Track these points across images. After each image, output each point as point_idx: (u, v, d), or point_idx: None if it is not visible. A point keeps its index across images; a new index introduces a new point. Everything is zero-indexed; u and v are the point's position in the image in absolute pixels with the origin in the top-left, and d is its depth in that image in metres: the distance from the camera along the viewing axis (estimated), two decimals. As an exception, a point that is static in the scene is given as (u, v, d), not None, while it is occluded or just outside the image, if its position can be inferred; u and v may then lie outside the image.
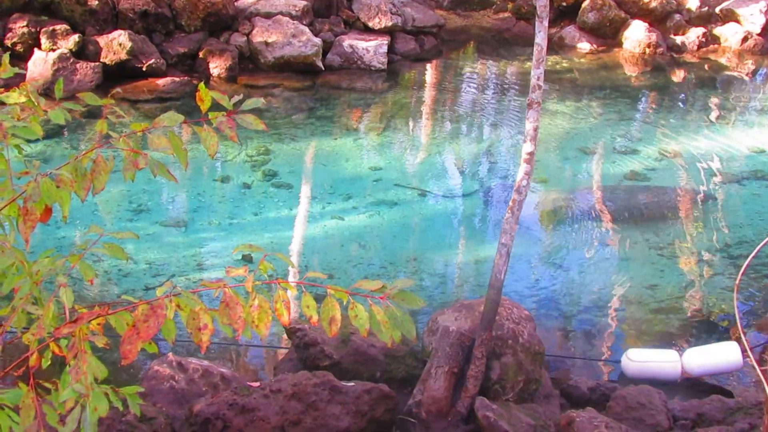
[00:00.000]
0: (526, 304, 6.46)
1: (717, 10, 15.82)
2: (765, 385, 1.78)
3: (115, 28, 12.04)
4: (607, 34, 15.42)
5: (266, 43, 12.72)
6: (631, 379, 5.77)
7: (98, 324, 2.64)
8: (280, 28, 12.88)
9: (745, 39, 15.35)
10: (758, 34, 15.43)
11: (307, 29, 13.06)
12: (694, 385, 5.88)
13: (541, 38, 5.16)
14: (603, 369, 6.22)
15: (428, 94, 13.06)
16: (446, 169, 9.99)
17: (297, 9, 13.38)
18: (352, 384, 4.81)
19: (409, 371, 5.30)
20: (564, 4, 15.83)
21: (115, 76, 11.54)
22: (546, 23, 5.19)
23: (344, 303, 2.61)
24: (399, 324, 2.58)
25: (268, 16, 13.18)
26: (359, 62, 13.25)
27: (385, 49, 13.48)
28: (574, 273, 7.53)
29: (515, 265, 7.23)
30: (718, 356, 5.70)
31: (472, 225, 8.67)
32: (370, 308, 2.57)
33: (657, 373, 5.79)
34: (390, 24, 13.98)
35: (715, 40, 15.56)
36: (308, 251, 7.76)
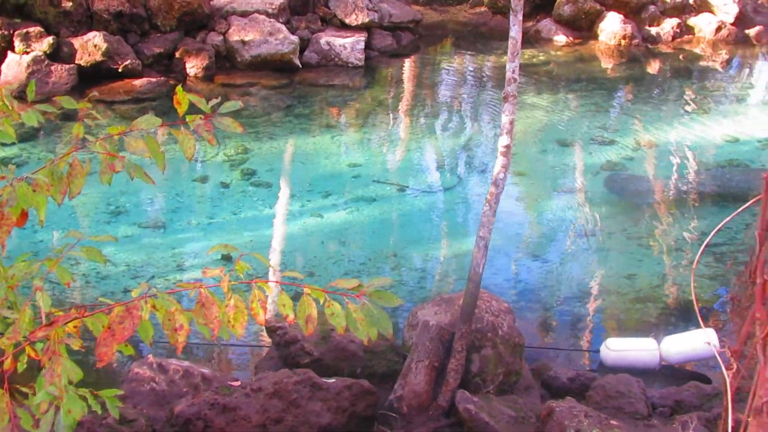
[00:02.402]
0: (506, 297, 6.51)
1: (691, 0, 15.93)
2: (725, 373, 1.82)
3: (90, 30, 11.97)
4: (583, 27, 15.49)
5: (243, 42, 12.69)
6: (610, 369, 5.82)
7: (75, 327, 2.64)
8: (257, 27, 12.85)
9: (718, 29, 15.47)
10: (731, 24, 15.56)
11: (283, 27, 13.04)
12: (673, 372, 5.94)
13: (515, 32, 5.19)
14: (583, 359, 6.28)
15: (406, 89, 13.08)
16: (425, 164, 10.02)
17: (273, 7, 13.35)
18: (333, 380, 4.83)
19: (389, 366, 5.33)
20: (539, -3, 15.88)
21: (91, 77, 11.47)
22: (520, 17, 5.22)
23: (321, 302, 2.63)
24: (375, 321, 2.60)
25: (244, 14, 13.14)
26: (336, 59, 13.24)
27: (362, 45, 13.49)
28: (553, 264, 7.57)
29: (495, 258, 7.27)
30: (695, 343, 5.76)
31: (451, 219, 8.70)
32: (347, 306, 2.59)
33: (636, 361, 5.85)
34: (367, 20, 13.98)
35: (690, 30, 15.67)
36: (288, 249, 7.77)
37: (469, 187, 9.28)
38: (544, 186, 9.24)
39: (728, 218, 2.42)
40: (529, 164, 9.72)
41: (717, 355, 3.08)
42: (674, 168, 9.81)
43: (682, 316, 6.74)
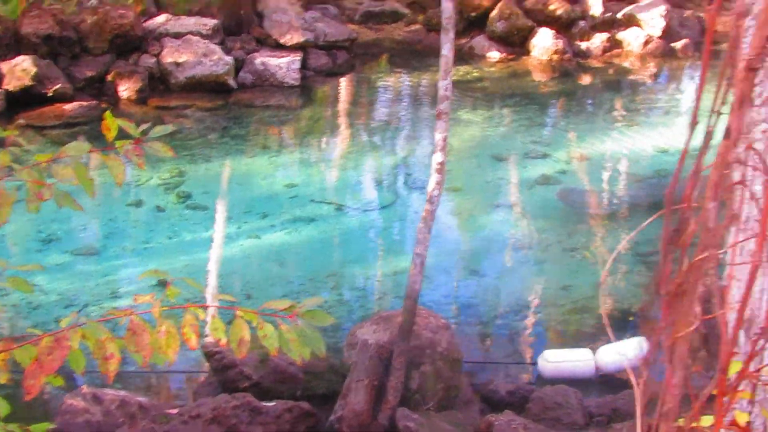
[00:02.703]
0: (444, 313, 6.55)
1: (619, 15, 16.33)
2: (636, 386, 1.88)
3: (18, 54, 11.72)
4: (516, 43, 15.72)
5: (177, 64, 12.58)
6: (549, 380, 5.90)
7: (2, 360, 2.58)
8: (191, 48, 12.76)
9: (646, 42, 15.87)
10: (659, 38, 15.98)
11: (218, 48, 12.98)
12: (610, 380, 6.04)
13: (447, 49, 5.26)
14: (522, 372, 6.34)
15: (342, 108, 13.12)
16: (362, 183, 10.05)
17: (207, 28, 13.28)
18: (273, 404, 4.80)
19: (330, 387, 5.31)
20: (473, 14, 16.09)
21: (20, 102, 11.21)
22: (452, 35, 5.29)
23: (254, 324, 2.62)
24: (308, 341, 2.60)
25: (177, 36, 13.03)
26: (272, 79, 13.20)
27: (297, 65, 13.47)
28: (490, 279, 7.65)
29: (433, 274, 7.32)
30: (628, 352, 5.87)
31: (390, 237, 8.73)
32: (279, 327, 2.58)
33: (572, 372, 5.93)
34: (302, 40, 13.98)
35: (619, 44, 16.04)
36: (226, 272, 7.70)
37: (406, 204, 9.34)
38: (480, 201, 9.35)
39: (631, 235, 2.49)
40: (464, 180, 9.82)
41: (627, 366, 3.15)
42: (607, 180, 10.02)
43: (618, 326, 6.86)
